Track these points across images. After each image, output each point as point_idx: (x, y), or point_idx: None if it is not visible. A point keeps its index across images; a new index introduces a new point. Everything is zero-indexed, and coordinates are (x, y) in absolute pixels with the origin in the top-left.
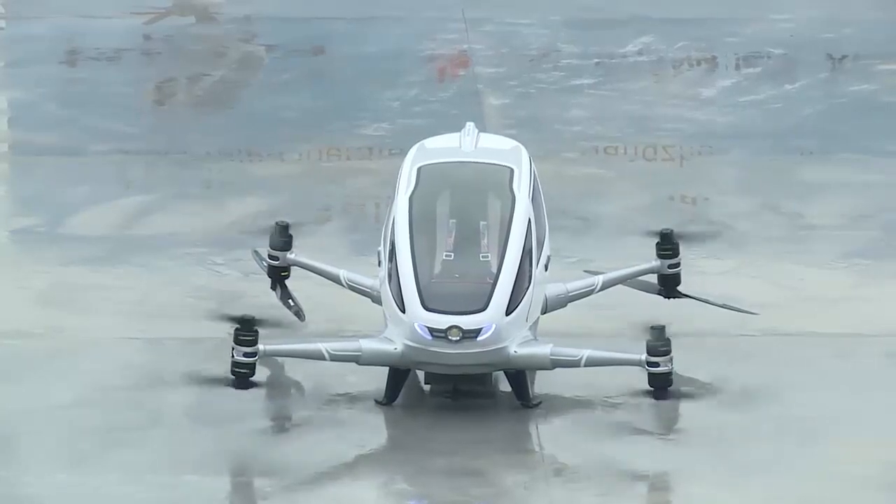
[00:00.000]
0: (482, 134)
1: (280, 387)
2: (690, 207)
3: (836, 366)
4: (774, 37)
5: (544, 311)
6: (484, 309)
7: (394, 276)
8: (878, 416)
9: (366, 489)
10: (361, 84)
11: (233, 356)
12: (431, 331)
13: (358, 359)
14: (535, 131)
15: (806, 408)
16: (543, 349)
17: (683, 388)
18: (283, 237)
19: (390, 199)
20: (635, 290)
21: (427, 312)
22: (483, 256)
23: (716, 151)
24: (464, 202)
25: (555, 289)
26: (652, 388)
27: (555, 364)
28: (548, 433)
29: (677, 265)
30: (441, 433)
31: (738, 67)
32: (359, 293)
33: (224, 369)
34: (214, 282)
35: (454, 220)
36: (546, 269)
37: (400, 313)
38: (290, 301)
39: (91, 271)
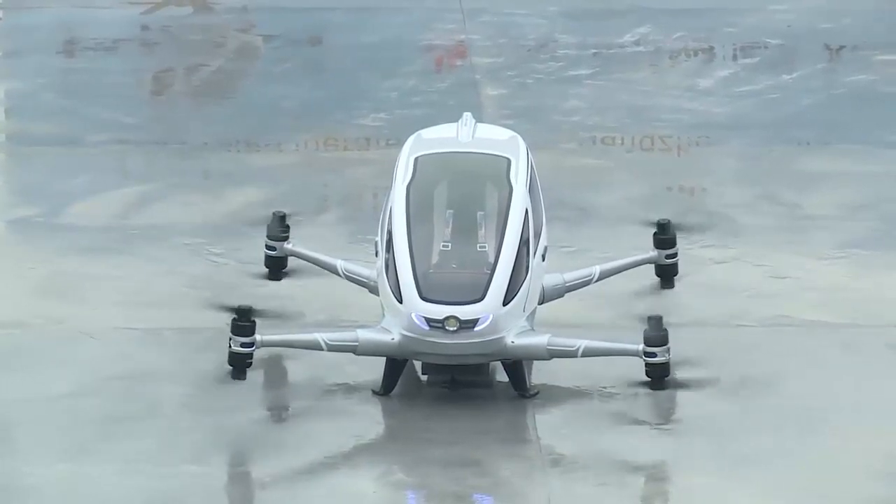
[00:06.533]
0: (479, 124)
1: (277, 377)
2: (688, 198)
3: (835, 356)
4: (772, 27)
5: (541, 302)
6: (481, 299)
7: (391, 267)
8: (879, 407)
9: (363, 479)
10: (359, 74)
11: (230, 346)
12: (428, 321)
13: (355, 349)
14: (532, 122)
15: (805, 398)
16: (540, 339)
17: (681, 378)
18: (280, 227)
19: (388, 189)
20: (632, 280)
21: (424, 302)
22: (480, 247)
23: (713, 142)
24: (461, 192)
25: (552, 279)
26: (649, 379)
27: (552, 354)
28: (545, 423)
29: (675, 255)
30: (438, 423)
31: (735, 58)
32: (356, 283)
33: (222, 359)
34: (212, 272)
35: (451, 211)
36: (543, 260)
37: (397, 303)
38: None
39: (89, 261)
